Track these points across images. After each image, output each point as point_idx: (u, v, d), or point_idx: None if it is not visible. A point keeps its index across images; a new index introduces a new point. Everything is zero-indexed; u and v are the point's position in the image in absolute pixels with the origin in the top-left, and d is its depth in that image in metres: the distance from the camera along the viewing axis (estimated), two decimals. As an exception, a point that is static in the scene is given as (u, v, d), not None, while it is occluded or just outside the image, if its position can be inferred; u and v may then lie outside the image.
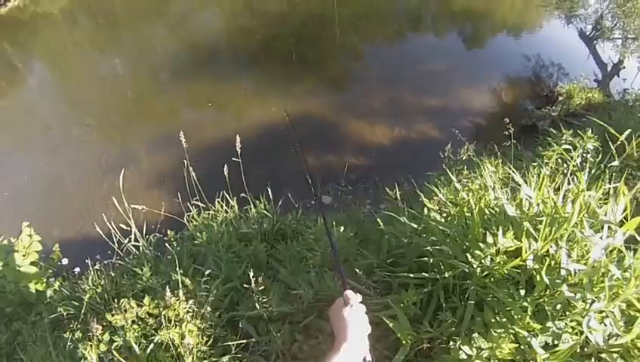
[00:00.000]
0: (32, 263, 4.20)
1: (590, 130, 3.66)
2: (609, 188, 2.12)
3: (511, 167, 2.20)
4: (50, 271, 4.41)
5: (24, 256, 4.31)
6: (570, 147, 3.60)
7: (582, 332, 1.57)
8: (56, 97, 11.76)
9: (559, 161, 3.53)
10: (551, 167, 3.50)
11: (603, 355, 1.64)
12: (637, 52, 10.52)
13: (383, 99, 9.60)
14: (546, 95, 10.93)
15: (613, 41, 10.83)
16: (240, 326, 2.31)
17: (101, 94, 10.81)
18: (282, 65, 10.04)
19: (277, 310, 2.31)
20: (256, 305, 2.13)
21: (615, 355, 1.61)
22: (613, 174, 2.82)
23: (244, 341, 2.20)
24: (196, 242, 3.47)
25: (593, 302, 1.56)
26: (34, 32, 16.70)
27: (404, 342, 1.60)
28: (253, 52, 10.88)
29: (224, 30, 12.37)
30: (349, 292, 1.35)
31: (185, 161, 3.77)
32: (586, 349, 1.70)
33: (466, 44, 13.12)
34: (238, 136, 3.57)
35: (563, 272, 1.57)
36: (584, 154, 3.51)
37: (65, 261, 3.96)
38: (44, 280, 4.17)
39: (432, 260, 1.80)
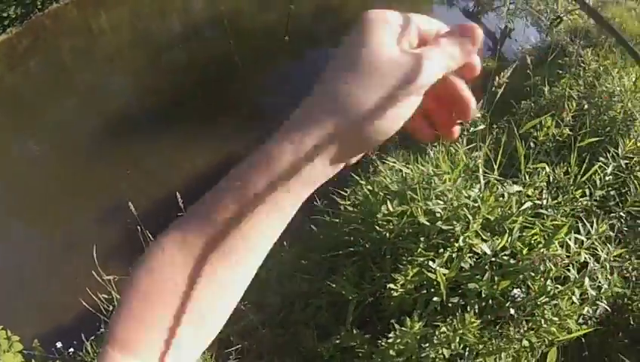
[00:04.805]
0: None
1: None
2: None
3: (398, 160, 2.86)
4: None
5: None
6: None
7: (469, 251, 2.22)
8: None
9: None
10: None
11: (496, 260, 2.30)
12: (518, 14, 11.77)
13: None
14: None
15: (495, 11, 12.02)
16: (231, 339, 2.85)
17: (27, 183, 10.62)
18: (197, 117, 10.37)
19: (255, 317, 2.85)
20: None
21: (506, 257, 2.28)
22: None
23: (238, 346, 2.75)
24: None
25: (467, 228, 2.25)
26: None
27: (349, 298, 2.23)
28: (166, 111, 11.17)
29: (134, 93, 12.57)
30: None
31: (139, 227, 4.16)
32: (481, 260, 2.37)
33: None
34: (177, 193, 4.07)
35: (438, 214, 2.25)
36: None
37: (59, 344, 4.18)
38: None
39: (352, 238, 2.45)
